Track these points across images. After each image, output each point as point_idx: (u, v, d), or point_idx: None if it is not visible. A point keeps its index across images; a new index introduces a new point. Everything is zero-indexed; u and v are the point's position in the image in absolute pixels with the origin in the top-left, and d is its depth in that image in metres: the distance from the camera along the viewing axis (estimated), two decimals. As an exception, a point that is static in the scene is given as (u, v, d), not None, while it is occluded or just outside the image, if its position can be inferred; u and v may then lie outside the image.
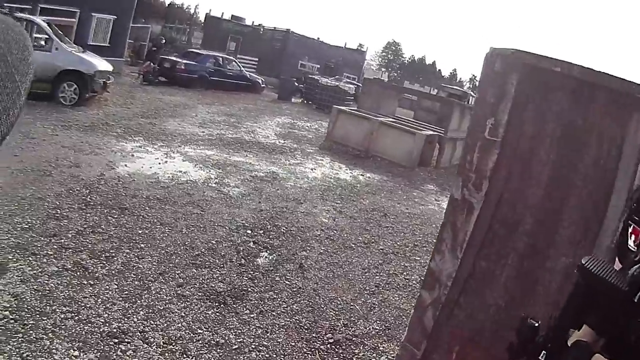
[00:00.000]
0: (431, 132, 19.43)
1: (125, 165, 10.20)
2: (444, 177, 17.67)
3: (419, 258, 9.03)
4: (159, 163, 10.94)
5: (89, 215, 7.42)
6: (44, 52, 13.91)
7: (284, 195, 10.77)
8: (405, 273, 8.22)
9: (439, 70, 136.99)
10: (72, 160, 9.64)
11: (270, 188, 11.09)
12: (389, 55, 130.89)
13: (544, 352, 2.17)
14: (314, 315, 6.24)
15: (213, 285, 6.31)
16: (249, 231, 8.30)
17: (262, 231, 8.44)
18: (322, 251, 8.25)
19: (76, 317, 4.99)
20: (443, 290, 4.28)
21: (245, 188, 10.67)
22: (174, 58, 26.02)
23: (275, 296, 6.44)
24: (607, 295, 1.93)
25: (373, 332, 6.21)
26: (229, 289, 6.31)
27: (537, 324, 2.23)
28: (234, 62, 29.10)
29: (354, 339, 5.94)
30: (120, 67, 23.67)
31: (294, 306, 6.32)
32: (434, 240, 9.55)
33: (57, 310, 5.03)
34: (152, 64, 24.10)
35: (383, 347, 5.97)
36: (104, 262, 6.21)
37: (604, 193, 3.85)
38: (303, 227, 9.11)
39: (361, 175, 14.81)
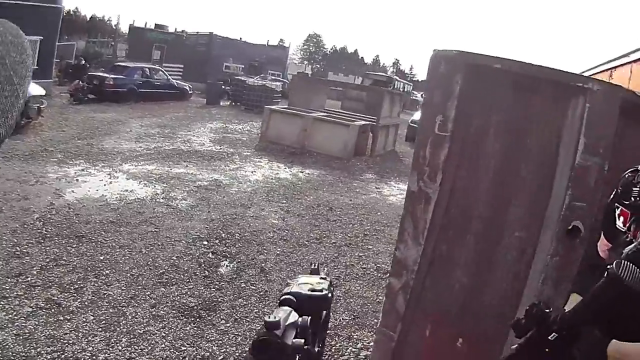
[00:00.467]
0: (364, 122, 19.73)
1: (72, 191, 10.12)
2: (380, 164, 18.21)
3: (371, 247, 9.38)
4: (104, 185, 10.89)
5: (48, 248, 7.37)
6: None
7: (231, 202, 10.91)
8: (361, 263, 8.56)
9: (362, 57, 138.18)
10: (19, 192, 9.49)
11: (216, 196, 11.21)
12: (311, 48, 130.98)
13: (554, 333, 2.48)
14: None
15: (184, 301, 6.45)
16: (205, 242, 8.43)
17: (217, 240, 8.59)
18: (278, 252, 8.46)
19: (63, 356, 5.02)
20: (410, 275, 4.63)
21: (193, 199, 10.76)
22: (102, 74, 25.61)
23: (245, 302, 6.62)
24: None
25: (344, 323, 6.51)
26: (200, 302, 6.46)
27: (549, 310, 2.52)
28: (160, 72, 28.78)
29: (328, 332, 6.16)
30: (50, 88, 23.13)
31: (265, 309, 6.51)
32: (382, 228, 10.08)
33: (43, 352, 5.03)
34: (80, 82, 23.63)
35: (357, 335, 6.27)
36: (75, 295, 6.22)
37: (548, 174, 4.30)
38: (255, 231, 9.30)
39: (300, 172, 15.06)
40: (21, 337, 5.20)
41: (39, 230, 7.94)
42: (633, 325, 2.37)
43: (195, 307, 6.33)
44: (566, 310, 2.52)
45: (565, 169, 4.20)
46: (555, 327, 2.44)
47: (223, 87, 32.32)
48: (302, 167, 15.82)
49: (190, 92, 30.69)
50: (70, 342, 5.27)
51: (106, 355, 5.16)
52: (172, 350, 5.43)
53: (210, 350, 5.51)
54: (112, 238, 8.06)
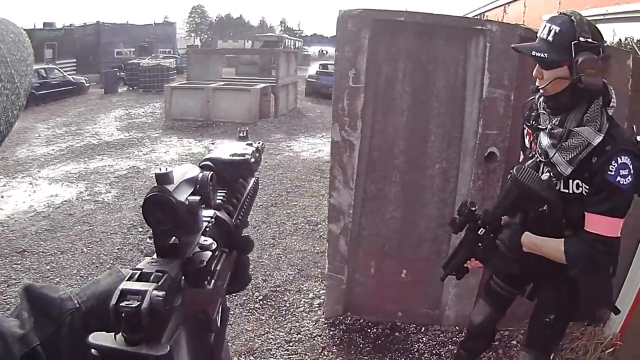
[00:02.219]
0: (264, 85, 19.67)
1: (1, 208, 10.01)
2: (287, 123, 18.42)
3: (296, 202, 9.74)
4: (29, 195, 10.68)
5: None
6: None
7: (152, 185, 10.93)
8: (291, 220, 8.89)
9: (248, 21, 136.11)
10: None
11: (138, 182, 11.24)
12: (196, 19, 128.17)
13: (482, 229, 3.09)
14: None
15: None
16: (140, 229, 8.54)
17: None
18: None
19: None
20: (347, 219, 5.05)
21: (116, 190, 10.77)
22: (-7, 84, 24.39)
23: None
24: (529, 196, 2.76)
25: (291, 278, 6.79)
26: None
27: (474, 208, 3.11)
28: (55, 70, 27.55)
29: (278, 289, 6.46)
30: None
31: None
32: (303, 184, 10.46)
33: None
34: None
35: (305, 287, 6.54)
36: None
37: (458, 106, 4.83)
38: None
39: (211, 143, 15.07)
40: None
41: (-25, 255, 7.83)
42: (535, 220, 3.00)
43: None
44: (488, 209, 3.13)
45: (474, 102, 4.75)
46: (480, 222, 3.07)
47: (118, 73, 31.27)
48: (211, 138, 15.83)
49: (87, 85, 29.49)
50: None
51: None
52: None
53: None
54: (52, 246, 8.05)
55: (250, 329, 5.62)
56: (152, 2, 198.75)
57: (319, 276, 6.60)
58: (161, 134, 17.01)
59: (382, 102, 4.91)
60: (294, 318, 5.74)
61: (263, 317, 5.78)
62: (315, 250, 7.51)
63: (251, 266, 4.71)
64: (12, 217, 9.39)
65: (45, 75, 25.98)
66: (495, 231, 3.06)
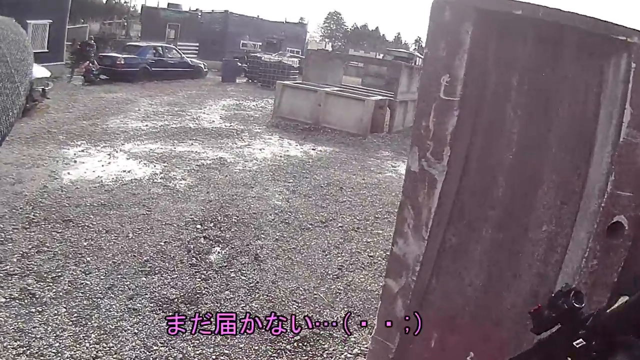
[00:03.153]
0: (380, 97, 18.85)
1: (68, 173, 9.56)
2: (398, 141, 17.28)
3: (381, 231, 8.68)
4: (102, 165, 10.33)
5: (33, 234, 6.84)
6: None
7: (233, 182, 10.29)
8: (368, 250, 7.85)
9: (383, 35, 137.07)
10: (14, 176, 8.94)
11: (218, 175, 10.60)
12: (331, 26, 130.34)
13: (583, 340, 1.76)
14: (275, 311, 5.80)
15: (165, 292, 5.84)
16: (198, 226, 7.83)
17: (212, 224, 7.97)
18: (277, 237, 7.82)
19: (28, 352, 4.53)
20: (411, 276, 3.87)
21: (192, 179, 10.17)
22: (113, 54, 25.01)
23: (231, 295, 6.00)
24: None
25: (341, 322, 5.70)
26: (181, 294, 5.85)
27: (579, 304, 1.81)
28: (174, 50, 28.20)
29: (321, 333, 5.49)
30: (62, 70, 22.64)
31: (253, 304, 5.89)
32: (396, 210, 9.28)
33: (9, 346, 4.56)
34: (90, 63, 23.10)
35: (354, 337, 5.55)
36: (51, 284, 5.68)
37: (584, 149, 3.39)
38: (255, 213, 8.66)
39: (312, 149, 14.37)
40: (-11, 331, 4.74)
41: (27, 215, 7.40)
42: None
43: (176, 300, 5.72)
44: (604, 310, 1.81)
45: (606, 147, 3.33)
46: (586, 329, 1.74)
47: (239, 64, 31.71)
48: (314, 143, 15.12)
49: (205, 69, 30.11)
50: (38, 336, 4.77)
51: (72, 352, 4.63)
52: (142, 349, 4.83)
53: (184, 351, 4.90)
54: (99, 222, 7.49)
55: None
56: (289, 2, 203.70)
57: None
58: (264, 130, 16.56)
59: (484, 126, 3.60)
60: (325, 375, 4.88)
61: (289, 364, 4.95)
62: None
63: (302, 298, 5.64)
64: (74, 184, 8.98)
65: (161, 53, 26.47)
66: (604, 351, 1.71)
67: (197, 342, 5.04)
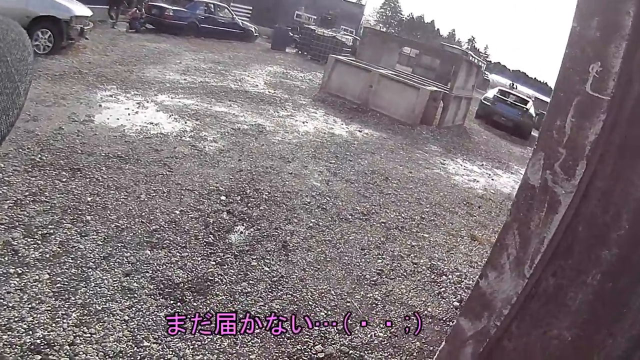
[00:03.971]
0: (436, 88, 17.93)
1: (90, 117, 8.54)
2: (448, 137, 16.44)
3: (427, 235, 7.58)
4: (128, 114, 9.30)
5: (33, 179, 5.86)
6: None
7: (270, 152, 9.22)
8: (412, 255, 6.77)
9: (437, 29, 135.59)
10: (31, 113, 7.92)
11: (254, 143, 9.53)
12: (387, 12, 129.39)
13: None
14: (298, 317, 4.75)
15: (169, 273, 4.80)
16: (222, 197, 6.78)
17: (239, 197, 6.91)
18: (311, 224, 6.76)
19: (-6, 321, 3.56)
20: (494, 320, 2.84)
21: (225, 143, 9.10)
22: (162, 4, 24.10)
23: (249, 289, 4.93)
24: None
25: (376, 342, 4.72)
26: (189, 278, 4.80)
27: None
28: (226, 10, 27.23)
29: (350, 352, 4.46)
30: (106, 14, 21.74)
31: (273, 304, 4.83)
32: (443, 213, 8.14)
33: (-26, 312, 3.60)
34: (138, 10, 22.22)
35: None
36: (39, 242, 4.69)
37: None
38: (290, 192, 7.59)
39: (358, 131, 13.28)
40: (-44, 290, 3.75)
41: (32, 157, 6.41)
42: None
43: (181, 285, 4.68)
44: None
45: None
46: None
47: (291, 34, 30.78)
48: (361, 125, 14.06)
49: (255, 34, 29.23)
50: (11, 305, 3.81)
51: (45, 332, 3.65)
52: (129, 343, 3.81)
53: (181, 354, 3.86)
54: (111, 176, 6.49)
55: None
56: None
57: (414, 355, 4.70)
58: (309, 103, 15.48)
59: (634, 142, 2.50)
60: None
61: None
62: (425, 312, 5.51)
63: (332, 304, 4.84)
64: (93, 130, 7.98)
65: (212, 10, 25.57)
66: None
67: (199, 344, 4.00)
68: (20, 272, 4.17)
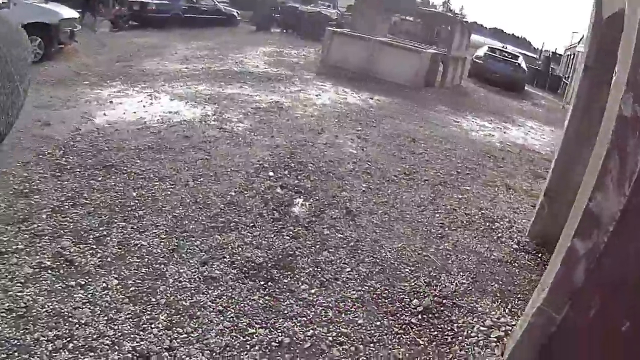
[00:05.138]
0: (435, 51, 18.02)
1: (104, 114, 8.15)
2: (451, 97, 16.61)
3: (468, 188, 7.67)
4: (144, 106, 8.93)
5: (65, 182, 5.41)
6: (2, 10, 11.60)
7: (297, 126, 8.95)
8: (462, 207, 6.84)
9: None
10: (42, 119, 7.37)
11: (279, 119, 9.24)
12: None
13: None
14: (387, 276, 4.62)
15: (248, 254, 4.53)
16: (270, 173, 6.51)
17: (286, 171, 6.65)
18: (364, 189, 6.58)
19: (70, 345, 3.15)
20: (602, 236, 3.20)
21: (251, 122, 8.79)
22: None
23: (331, 257, 4.72)
24: None
25: (462, 289, 4.80)
26: (270, 256, 4.55)
27: None
28: (207, -3, 26.67)
29: (444, 301, 4.46)
30: (88, 19, 21.17)
31: (360, 268, 4.67)
32: (474, 167, 8.75)
33: (42, 338, 3.16)
34: (120, 8, 21.68)
35: (480, 307, 4.51)
36: (95, 247, 4.30)
37: None
38: (332, 161, 7.37)
39: (370, 98, 13.08)
40: (14, 314, 3.31)
41: (56, 161, 5.92)
42: None
43: (265, 265, 4.43)
44: None
45: None
46: None
47: (273, 14, 30.32)
48: (371, 93, 13.83)
49: (238, 18, 28.67)
50: (83, 322, 3.38)
51: (135, 343, 3.29)
52: (233, 333, 3.55)
53: (289, 332, 3.64)
54: (149, 168, 6.14)
55: (401, 356, 3.69)
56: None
57: (498, 295, 4.84)
58: (314, 77, 15.17)
59: None
60: (462, 352, 3.91)
61: (421, 341, 3.93)
62: (492, 257, 5.63)
63: (412, 260, 4.95)
64: (113, 125, 7.59)
65: (194, 0, 24.91)
66: None
67: (303, 319, 3.74)
68: (83, 283, 3.79)
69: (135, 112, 8.41)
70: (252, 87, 11.93)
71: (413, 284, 4.61)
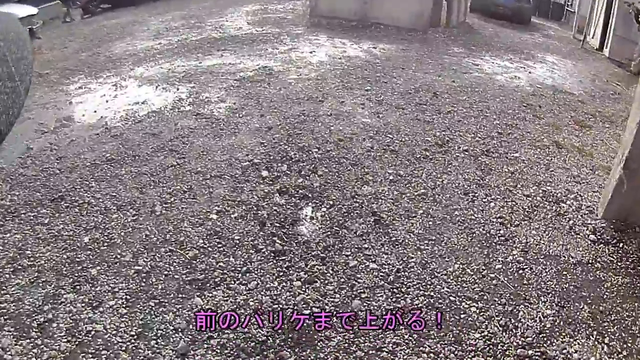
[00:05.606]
0: None
1: (62, 122, 6.53)
2: (461, 36, 14.73)
3: (516, 154, 6.20)
4: (107, 101, 7.30)
5: (7, 236, 4.01)
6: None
7: (293, 96, 7.25)
8: (519, 186, 5.40)
9: None
10: None
11: (269, 90, 7.52)
12: None
13: None
14: (448, 327, 3.27)
15: (244, 330, 3.03)
16: (264, 172, 4.93)
17: (284, 165, 5.07)
18: (391, 177, 5.01)
19: None
20: None
21: (235, 99, 7.12)
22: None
23: (367, 306, 3.25)
24: None
25: (548, 325, 3.49)
26: (276, 328, 3.03)
27: None
28: (177, -39, 24.77)
29: (530, 353, 3.25)
30: (59, 10, 19.50)
31: (409, 319, 3.24)
32: (515, 122, 7.50)
33: None
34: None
35: (576, 351, 3.33)
36: (39, 343, 3.07)
37: None
38: (342, 139, 5.73)
39: (373, 47, 11.24)
40: None
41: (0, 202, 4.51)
42: None
43: (272, 344, 2.99)
44: None
45: None
46: None
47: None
48: (372, 41, 11.98)
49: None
50: None
51: None
52: None
53: None
54: (106, 192, 4.63)
55: None
56: None
57: (591, 324, 3.59)
58: (305, 31, 13.30)
59: None
60: None
61: None
62: (571, 259, 4.31)
63: (476, 288, 3.42)
64: (69, 135, 6.07)
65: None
66: None
67: None
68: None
69: (95, 111, 6.84)
70: (235, 53, 10.18)
71: (485, 332, 3.21)
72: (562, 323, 3.48)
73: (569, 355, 3.15)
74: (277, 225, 4.01)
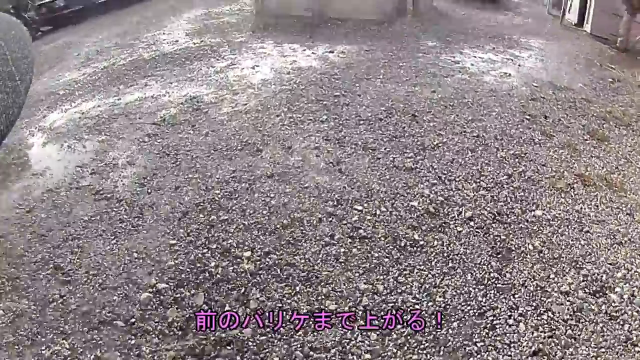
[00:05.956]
0: None
1: None
2: (432, 26, 13.02)
3: (536, 212, 4.81)
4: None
5: None
6: None
7: (222, 145, 5.65)
8: (551, 277, 3.92)
9: None
10: None
11: (192, 137, 5.90)
12: None
13: None
14: None
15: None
16: (169, 312, 3.31)
17: (199, 293, 3.48)
18: (363, 298, 3.51)
19: None
20: None
21: (147, 158, 5.53)
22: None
23: None
24: None
25: None
26: None
27: None
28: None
29: None
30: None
31: None
32: (518, 148, 6.08)
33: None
34: (27, 17, 18.44)
35: None
36: None
37: None
38: (287, 223, 4.17)
39: (330, 52, 9.53)
40: None
41: None
42: None
43: None
44: None
45: None
46: None
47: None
48: (329, 43, 10.28)
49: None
50: None
51: None
52: None
53: None
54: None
55: None
56: None
57: None
58: (249, 37, 11.58)
59: None
60: None
61: None
62: None
63: None
64: None
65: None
66: None
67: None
68: None
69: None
70: (162, 79, 8.52)
71: None
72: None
73: None
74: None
